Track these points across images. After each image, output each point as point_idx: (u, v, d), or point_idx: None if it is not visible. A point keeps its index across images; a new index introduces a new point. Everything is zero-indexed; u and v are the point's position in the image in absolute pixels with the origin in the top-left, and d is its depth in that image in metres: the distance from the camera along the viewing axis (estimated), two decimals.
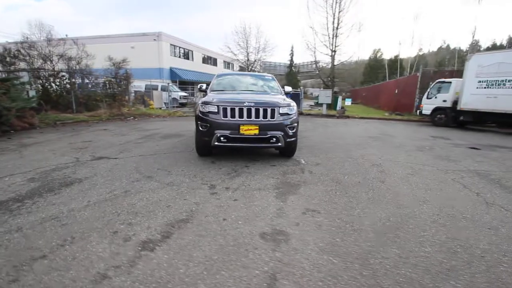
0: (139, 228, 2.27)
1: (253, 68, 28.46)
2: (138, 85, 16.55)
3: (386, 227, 2.41)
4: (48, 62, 10.15)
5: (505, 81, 9.19)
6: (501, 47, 41.57)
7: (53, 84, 10.36)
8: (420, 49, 48.73)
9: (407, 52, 57.74)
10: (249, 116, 4.13)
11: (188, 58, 28.13)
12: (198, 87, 5.77)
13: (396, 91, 20.03)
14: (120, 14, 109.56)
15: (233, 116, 4.12)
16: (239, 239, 2.13)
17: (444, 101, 11.49)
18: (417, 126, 11.69)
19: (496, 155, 5.67)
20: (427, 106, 12.22)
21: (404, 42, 59.95)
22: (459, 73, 14.49)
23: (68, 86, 10.52)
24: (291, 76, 46.67)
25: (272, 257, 1.91)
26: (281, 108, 4.28)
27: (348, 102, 26.67)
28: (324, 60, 24.66)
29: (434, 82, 12.21)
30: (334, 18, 18.57)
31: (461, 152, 5.99)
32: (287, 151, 4.75)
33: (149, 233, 2.19)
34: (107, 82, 12.04)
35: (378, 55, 54.73)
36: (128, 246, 2.00)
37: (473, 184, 3.69)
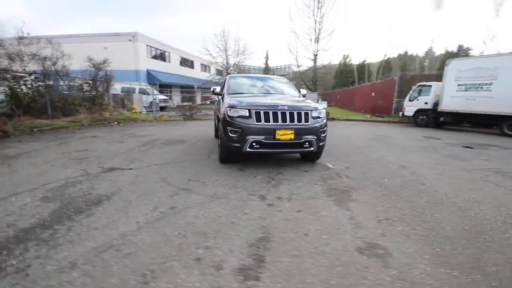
0: (221, 252, 1.96)
1: (232, 71, 28.17)
2: (114, 87, 15.43)
3: (469, 232, 2.35)
4: (18, 62, 8.99)
5: (482, 85, 10.01)
6: (453, 55, 46.25)
7: (23, 87, 9.19)
8: (385, 55, 52.02)
9: (373, 58, 61.28)
10: (284, 120, 3.92)
11: (165, 60, 27.00)
12: (212, 89, 5.43)
13: (373, 94, 21.07)
14: (84, 13, 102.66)
15: (267, 120, 3.89)
16: (340, 257, 1.92)
17: (426, 103, 12.23)
18: (401, 127, 12.28)
19: (496, 154, 6.07)
20: (409, 108, 12.93)
21: (370, 48, 63.57)
22: (433, 78, 15.62)
23: (41, 89, 9.40)
24: None
25: (392, 276, 1.73)
26: (313, 111, 4.14)
27: (324, 104, 27.57)
28: (304, 64, 25.19)
29: (416, 86, 12.97)
30: (316, 23, 19.04)
31: (462, 151, 6.32)
32: (315, 155, 4.62)
33: (238, 257, 1.89)
34: (85, 85, 11.01)
35: (347, 60, 57.50)
36: (226, 276, 1.69)
37: (501, 181, 3.85)
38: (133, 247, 1.99)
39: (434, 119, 12.04)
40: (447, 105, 11.23)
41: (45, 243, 2.04)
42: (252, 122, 3.88)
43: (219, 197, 3.02)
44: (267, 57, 50.00)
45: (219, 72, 35.90)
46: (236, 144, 3.95)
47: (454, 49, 52.07)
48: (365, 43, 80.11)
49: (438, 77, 14.36)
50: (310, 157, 4.75)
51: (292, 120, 3.95)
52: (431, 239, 2.21)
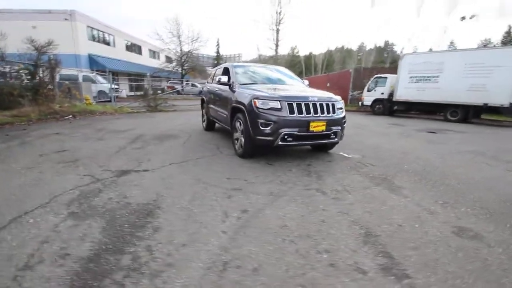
0: (345, 253, 1.85)
1: (186, 59, 26.59)
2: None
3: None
4: None
5: (431, 77, 11.53)
6: (381, 49, 52.93)
7: None
8: (328, 48, 55.70)
9: (318, 49, 64.89)
10: (315, 112, 3.87)
11: (109, 44, 23.87)
12: (217, 79, 5.01)
13: (328, 85, 22.42)
14: None
15: (300, 112, 3.79)
16: (450, 243, 2.01)
17: (382, 93, 13.56)
18: (362, 116, 13.40)
19: (459, 137, 7.13)
20: (368, 98, 14.19)
21: (315, 41, 67.07)
22: (386, 70, 17.35)
23: None
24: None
25: (503, 253, 1.89)
26: (337, 102, 4.19)
27: None
28: (264, 53, 25.23)
29: (373, 77, 14.22)
30: (277, 14, 19.13)
31: (431, 136, 7.24)
32: (332, 146, 4.72)
33: (366, 257, 1.82)
34: (24, 71, 9.07)
35: (295, 51, 59.72)
36: (378, 279, 1.61)
37: (489, 161, 4.53)
38: (252, 262, 1.74)
39: (389, 108, 13.47)
40: (401, 95, 12.64)
41: (138, 272, 1.64)
42: (285, 114, 3.74)
43: (279, 195, 2.86)
44: (218, 45, 48.41)
45: (168, 60, 33.58)
46: (268, 138, 3.77)
47: (382, 44, 59.17)
48: (311, 35, 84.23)
49: (390, 70, 16.01)
50: (323, 148, 4.83)
51: (322, 111, 3.92)
52: (497, 216, 2.48)
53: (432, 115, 12.81)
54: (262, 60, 23.64)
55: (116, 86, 17.54)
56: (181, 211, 2.44)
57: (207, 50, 53.22)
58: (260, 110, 3.77)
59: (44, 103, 8.91)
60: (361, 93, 15.24)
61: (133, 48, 28.32)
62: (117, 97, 17.48)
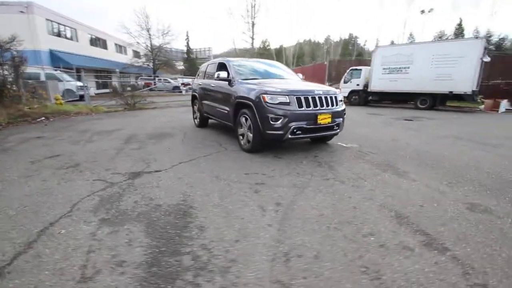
0: (410, 238, 2.02)
1: (156, 54, 25.43)
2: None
3: (503, 179, 3.11)
4: None
5: (402, 68, 12.32)
6: (346, 41, 55.70)
7: None
8: (298, 41, 56.59)
9: (288, 42, 65.57)
10: (322, 105, 4.02)
11: (72, 39, 22.01)
12: (216, 75, 4.95)
13: (304, 77, 22.93)
14: None
15: (308, 106, 3.91)
16: (470, 220, 2.28)
17: (357, 85, 14.23)
18: None
19: (432, 123, 7.80)
20: (345, 90, 14.76)
21: (285, 34, 67.61)
22: (357, 62, 18.13)
23: None
24: (190, 62, 44.60)
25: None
26: (338, 95, 4.38)
27: None
28: (240, 45, 24.95)
29: (349, 70, 14.84)
30: (252, 7, 18.97)
31: (409, 123, 7.83)
32: (331, 137, 4.92)
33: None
34: None
35: (266, 44, 59.82)
36: (449, 264, 1.80)
37: (468, 144, 5.06)
38: (310, 250, 1.84)
39: (364, 98, 14.19)
40: (375, 86, 13.38)
41: (206, 270, 1.66)
42: (294, 108, 3.84)
43: (303, 186, 2.97)
44: (187, 38, 46.84)
45: (136, 54, 31.94)
46: (279, 132, 3.85)
47: (347, 37, 61.81)
48: (281, 28, 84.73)
49: (362, 63, 16.77)
50: (323, 139, 5.02)
51: (327, 104, 4.09)
52: (495, 192, 2.83)
53: (403, 103, 13.74)
54: (238, 53, 23.45)
55: (86, 84, 16.36)
56: (216, 209, 2.46)
57: (176, 44, 51.27)
58: (269, 104, 3.83)
59: (12, 105, 8.12)
60: (332, 84, 15.82)
61: (98, 42, 26.40)
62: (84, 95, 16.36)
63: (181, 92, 25.14)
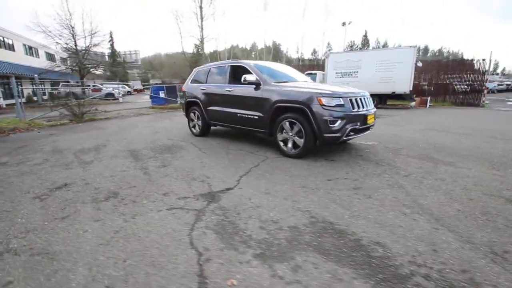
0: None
1: (85, 56, 21.87)
2: None
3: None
4: None
5: (352, 73, 13.84)
6: (270, 49, 60.06)
7: None
8: (231, 45, 57.44)
9: (221, 46, 65.78)
10: (366, 106, 4.18)
11: None
12: (243, 78, 4.55)
13: None
14: None
15: (359, 107, 4.01)
16: None
17: None
18: None
19: (399, 119, 9.00)
20: None
21: (218, 38, 67.88)
22: (306, 67, 19.41)
23: None
24: (116, 66, 39.98)
25: None
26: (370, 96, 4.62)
27: None
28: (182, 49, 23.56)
29: (305, 74, 15.79)
30: (201, 8, 18.25)
31: (385, 120, 8.87)
32: None
33: None
34: None
35: (200, 49, 58.59)
36: None
37: (451, 134, 6.03)
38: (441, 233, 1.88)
39: None
40: None
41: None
42: (349, 109, 3.88)
43: (398, 185, 3.00)
44: (112, 39, 41.88)
45: (50, 57, 26.95)
46: (337, 134, 3.82)
47: (270, 44, 66.54)
48: (215, 33, 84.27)
49: (311, 67, 18.08)
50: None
51: (368, 105, 4.27)
52: None
53: None
54: (187, 57, 22.10)
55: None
56: (360, 220, 2.27)
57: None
58: (326, 107, 3.77)
59: None
60: None
61: (2, 43, 20.98)
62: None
63: (117, 99, 22.40)
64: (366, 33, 62.19)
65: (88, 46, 21.35)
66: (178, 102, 15.98)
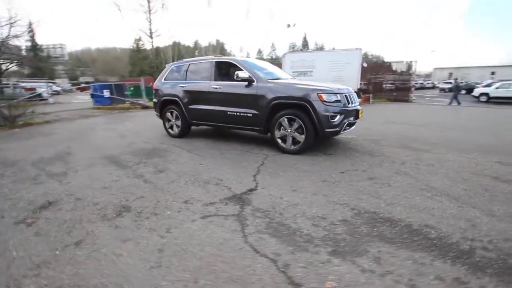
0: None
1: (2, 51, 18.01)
2: None
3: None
4: None
5: (307, 72, 14.61)
6: (213, 47, 60.09)
7: None
8: (174, 41, 54.73)
9: (164, 42, 62.00)
10: (355, 102, 4.44)
11: None
12: (235, 75, 4.35)
13: None
14: None
15: (351, 102, 4.24)
16: None
17: None
18: None
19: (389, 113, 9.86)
20: None
21: (158, 34, 64.05)
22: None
23: None
24: (43, 62, 34.27)
25: None
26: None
27: None
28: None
29: None
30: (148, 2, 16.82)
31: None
32: None
33: None
34: None
35: (140, 43, 54.23)
36: None
37: (428, 129, 6.89)
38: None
39: None
40: None
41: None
42: (345, 105, 4.08)
43: (404, 172, 3.30)
44: (32, 31, 35.50)
45: None
46: (336, 129, 3.99)
47: (214, 42, 66.42)
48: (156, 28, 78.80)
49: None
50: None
51: (355, 101, 4.56)
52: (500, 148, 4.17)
53: None
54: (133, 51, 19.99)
55: None
56: (419, 213, 2.42)
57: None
58: (327, 103, 3.90)
59: None
60: None
61: None
62: None
63: (45, 99, 19.29)
64: (305, 36, 66.42)
65: (7, 36, 17.62)
66: (127, 102, 14.58)
